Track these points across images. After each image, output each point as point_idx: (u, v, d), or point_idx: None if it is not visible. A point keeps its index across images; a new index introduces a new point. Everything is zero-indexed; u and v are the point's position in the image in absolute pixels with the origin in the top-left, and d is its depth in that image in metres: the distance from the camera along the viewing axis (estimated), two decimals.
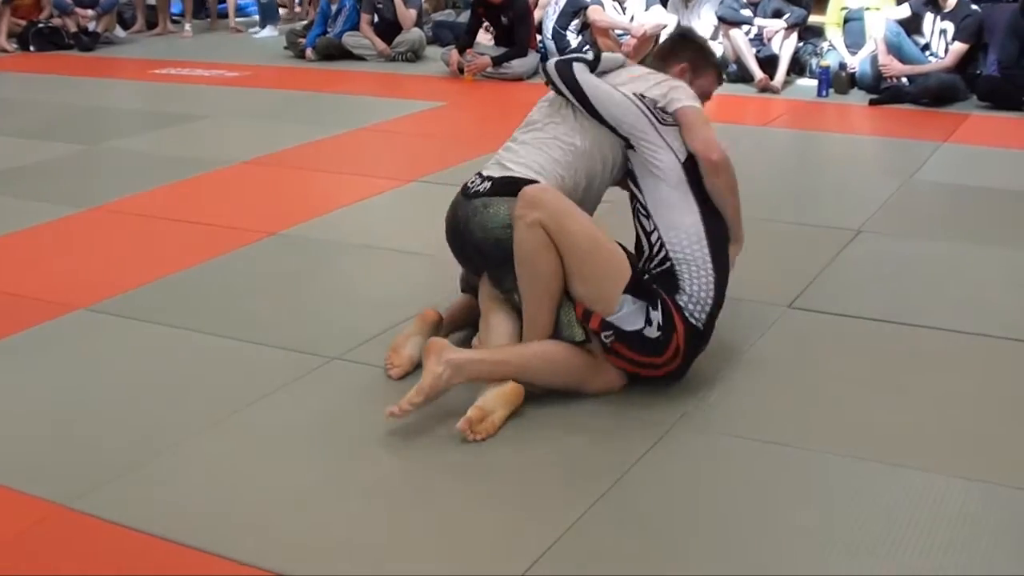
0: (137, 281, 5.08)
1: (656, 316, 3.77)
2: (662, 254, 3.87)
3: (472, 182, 4.18)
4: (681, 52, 4.39)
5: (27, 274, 5.32)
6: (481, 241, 4.01)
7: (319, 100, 9.96)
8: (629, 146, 4.06)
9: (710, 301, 3.86)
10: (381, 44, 11.87)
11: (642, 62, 4.51)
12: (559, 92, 4.20)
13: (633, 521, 3.20)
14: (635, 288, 3.79)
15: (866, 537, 3.11)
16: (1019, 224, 6.16)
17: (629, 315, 3.76)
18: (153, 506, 3.27)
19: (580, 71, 4.15)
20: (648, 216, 3.96)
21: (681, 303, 3.80)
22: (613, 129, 4.07)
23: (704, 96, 4.30)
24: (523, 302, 3.89)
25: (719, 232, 3.98)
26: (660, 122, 4.03)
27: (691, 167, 3.98)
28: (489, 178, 4.12)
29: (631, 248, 4.04)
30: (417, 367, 4.00)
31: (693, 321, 3.82)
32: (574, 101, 4.13)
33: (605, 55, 4.35)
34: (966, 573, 2.95)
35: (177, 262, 5.34)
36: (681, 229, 3.89)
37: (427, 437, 3.66)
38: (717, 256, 3.91)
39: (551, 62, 4.29)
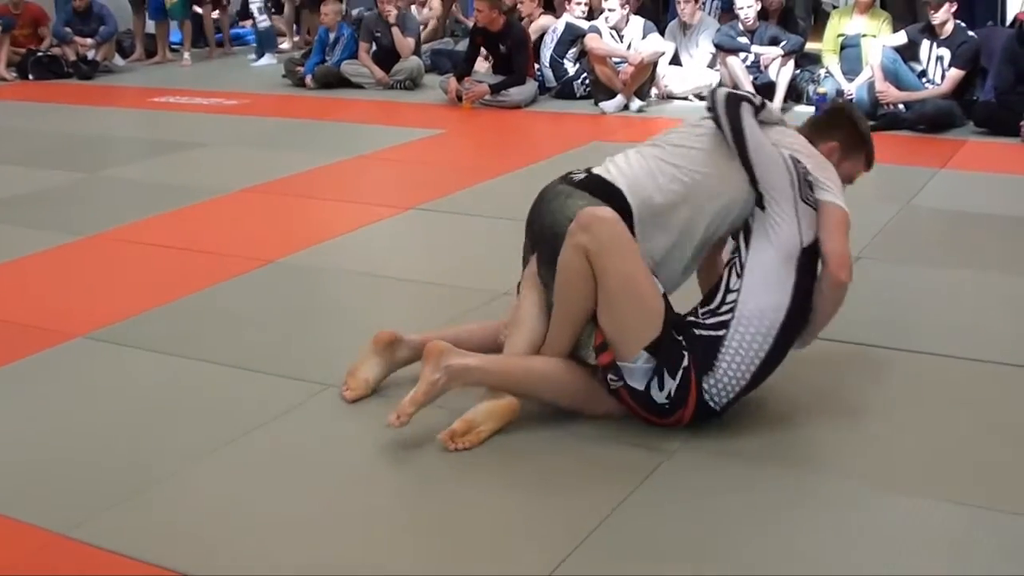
0: (135, 309, 5.08)
1: (670, 384, 3.69)
2: (726, 317, 3.72)
3: (576, 170, 4.14)
4: (835, 129, 4.21)
5: (25, 302, 5.32)
6: (548, 226, 3.95)
7: (317, 128, 9.98)
8: (759, 204, 3.83)
9: (739, 387, 3.74)
10: (379, 72, 11.90)
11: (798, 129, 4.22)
12: (717, 124, 3.98)
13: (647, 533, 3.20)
14: (658, 347, 3.67)
15: (863, 562, 3.11)
16: (1018, 250, 6.16)
17: (639, 371, 3.69)
18: (151, 534, 3.26)
19: (746, 112, 3.94)
20: (740, 276, 3.76)
21: (705, 385, 3.71)
22: (754, 181, 3.85)
23: (847, 180, 4.14)
24: (552, 311, 3.86)
25: (794, 328, 3.81)
26: (802, 199, 3.82)
27: (809, 255, 3.80)
28: (588, 171, 4.08)
29: (703, 291, 4.00)
30: (373, 391, 4.10)
31: (711, 404, 3.74)
32: (729, 139, 3.92)
33: (769, 106, 4.17)
34: None
35: (175, 290, 5.34)
36: (763, 306, 3.72)
37: (424, 460, 3.66)
38: (776, 349, 3.76)
39: (720, 92, 4.06)
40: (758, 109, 4.02)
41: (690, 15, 11.08)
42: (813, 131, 4.20)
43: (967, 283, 5.46)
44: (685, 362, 3.69)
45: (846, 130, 4.20)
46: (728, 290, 3.77)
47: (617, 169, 4.01)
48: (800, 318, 3.81)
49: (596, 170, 4.06)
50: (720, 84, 10.53)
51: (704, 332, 3.73)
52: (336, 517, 3.36)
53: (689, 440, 3.79)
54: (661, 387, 3.69)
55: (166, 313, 5.07)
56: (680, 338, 3.71)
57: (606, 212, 3.73)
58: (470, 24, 12.80)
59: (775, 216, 3.79)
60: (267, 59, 14.35)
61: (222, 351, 4.62)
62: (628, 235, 3.73)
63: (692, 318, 3.80)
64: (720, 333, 3.71)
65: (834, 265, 3.78)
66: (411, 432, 3.77)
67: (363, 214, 6.70)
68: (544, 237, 3.97)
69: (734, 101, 3.97)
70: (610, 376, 3.74)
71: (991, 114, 9.52)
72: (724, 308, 3.74)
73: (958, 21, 9.76)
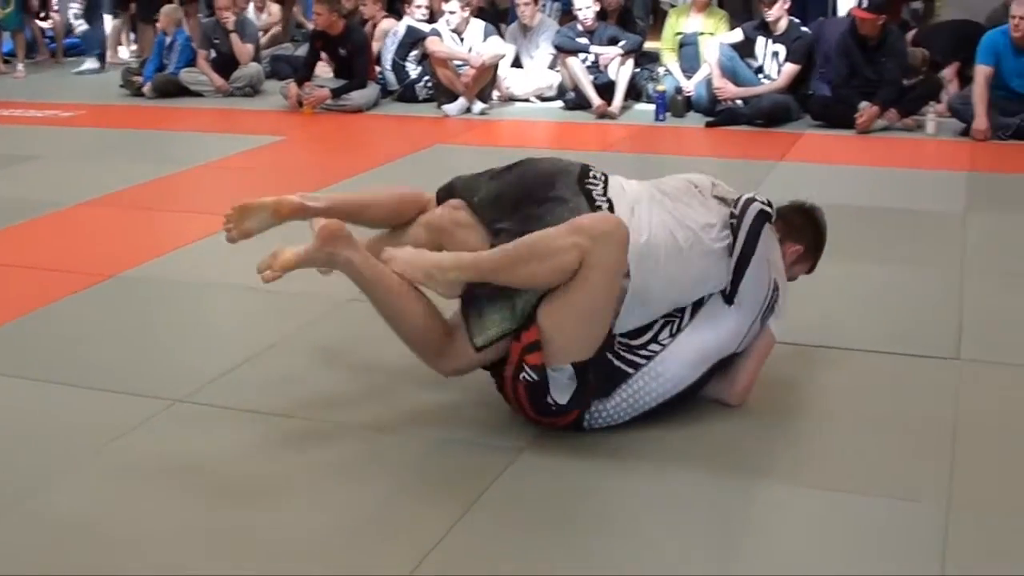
0: None
1: (568, 395, 3.71)
2: (642, 362, 3.78)
3: (596, 179, 4.01)
4: (805, 235, 4.26)
5: None
6: (537, 216, 3.81)
7: (157, 138, 9.82)
8: (726, 297, 3.88)
9: (615, 422, 3.80)
10: (219, 80, 11.73)
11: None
12: (734, 233, 3.90)
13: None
14: (585, 367, 3.68)
15: (709, 557, 3.16)
16: (858, 238, 6.30)
17: (560, 383, 3.69)
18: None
19: (766, 235, 3.92)
20: (672, 336, 3.81)
21: (593, 408, 3.77)
22: (735, 284, 3.86)
23: (790, 279, 4.19)
24: (501, 257, 3.67)
25: (675, 404, 3.85)
26: (761, 319, 3.93)
27: (729, 360, 3.94)
28: (608, 201, 3.92)
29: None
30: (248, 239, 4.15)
31: (584, 422, 3.79)
32: (736, 254, 3.86)
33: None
34: None
35: (13, 309, 5.20)
36: (673, 374, 3.79)
37: (276, 470, 3.63)
38: (656, 410, 3.82)
39: (752, 209, 3.93)
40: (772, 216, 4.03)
41: (530, 17, 11.13)
42: (786, 230, 4.16)
43: (812, 273, 5.56)
44: (586, 391, 3.72)
45: (812, 239, 4.29)
46: (656, 340, 3.81)
47: (638, 222, 3.83)
48: (681, 401, 3.86)
49: (616, 204, 3.90)
50: (564, 92, 10.63)
51: (616, 362, 3.77)
52: (190, 531, 3.30)
53: (537, 438, 3.81)
54: (555, 393, 3.71)
55: (3, 334, 4.93)
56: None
57: (617, 223, 3.63)
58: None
59: (731, 317, 3.87)
60: (89, 63, 14.05)
61: (64, 370, 4.51)
62: (624, 265, 3.66)
63: (612, 342, 3.79)
64: (630, 371, 3.78)
65: (739, 388, 4.00)
66: (262, 444, 3.78)
67: (206, 224, 6.58)
68: (531, 196, 3.92)
69: (759, 222, 3.91)
70: (527, 374, 3.70)
71: (826, 107, 9.76)
72: (644, 353, 3.80)
73: (792, 17, 9.97)
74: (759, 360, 3.99)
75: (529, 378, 3.70)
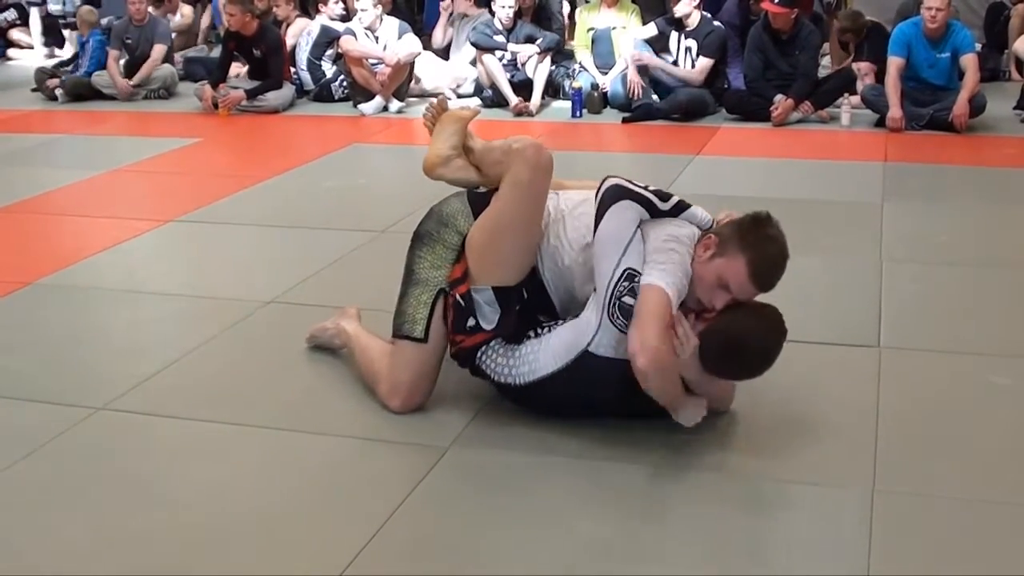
0: None
1: (488, 319, 3.82)
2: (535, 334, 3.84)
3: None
4: (726, 227, 3.74)
5: None
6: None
7: (69, 143, 9.69)
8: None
9: (499, 372, 3.83)
10: (122, 82, 11.44)
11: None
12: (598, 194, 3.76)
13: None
14: (506, 293, 3.79)
15: (632, 553, 3.17)
16: None
17: (483, 308, 3.81)
18: None
19: (621, 209, 3.66)
20: (553, 327, 3.83)
21: (496, 344, 3.84)
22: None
23: (720, 284, 3.61)
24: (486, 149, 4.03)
25: (556, 381, 3.74)
26: (609, 317, 3.60)
27: (591, 358, 3.68)
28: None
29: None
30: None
31: (477, 360, 3.87)
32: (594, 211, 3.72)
33: (696, 213, 3.81)
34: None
35: None
36: (544, 358, 3.74)
37: (199, 476, 3.60)
38: (538, 385, 3.78)
39: (609, 184, 3.76)
40: (671, 210, 3.74)
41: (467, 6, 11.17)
42: (720, 234, 3.71)
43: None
44: (509, 320, 3.82)
45: (736, 228, 3.69)
46: (543, 325, 3.85)
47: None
48: (544, 386, 3.77)
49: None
50: (481, 89, 10.62)
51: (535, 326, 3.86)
52: (115, 541, 3.26)
53: (462, 437, 3.83)
54: (480, 316, 3.83)
55: None
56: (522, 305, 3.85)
57: (539, 157, 3.83)
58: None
59: (589, 307, 3.71)
60: None
61: None
62: (537, 187, 3.81)
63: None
64: (532, 335, 3.83)
65: (631, 348, 3.48)
66: (185, 450, 3.78)
67: (121, 229, 6.52)
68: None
69: (612, 196, 3.69)
70: (456, 300, 3.86)
71: (742, 101, 9.83)
72: (541, 330, 3.84)
73: (704, 12, 10.03)
74: (646, 315, 3.49)
75: (459, 303, 3.85)
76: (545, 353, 3.75)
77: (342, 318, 4.46)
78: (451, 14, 11.63)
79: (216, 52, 12.10)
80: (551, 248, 3.84)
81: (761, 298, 3.70)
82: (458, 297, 3.85)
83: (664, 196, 3.75)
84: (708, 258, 3.62)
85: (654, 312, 3.49)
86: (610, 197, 3.68)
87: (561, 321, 3.83)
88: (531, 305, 3.87)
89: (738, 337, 3.58)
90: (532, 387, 3.77)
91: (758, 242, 3.62)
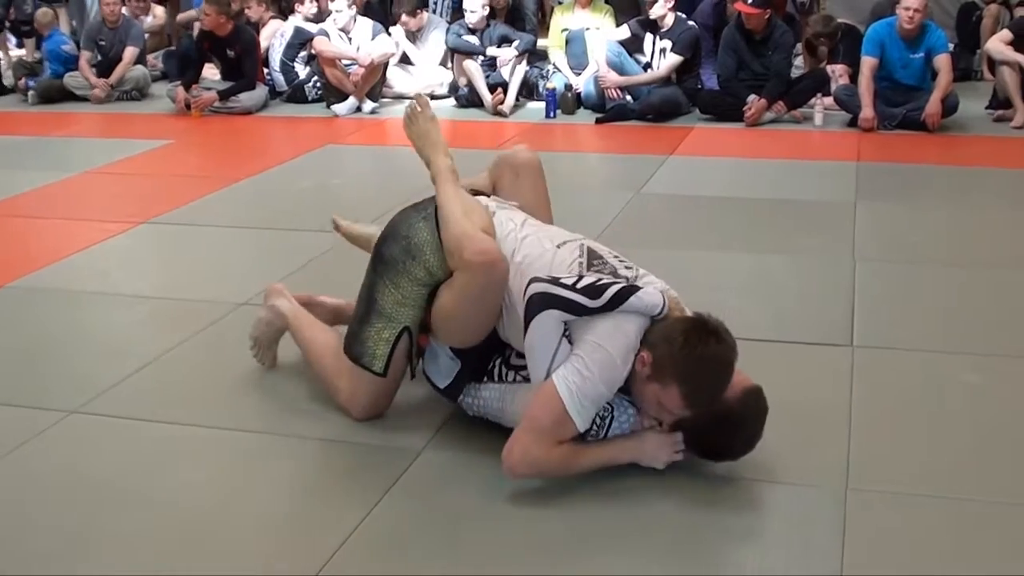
0: None
1: (450, 375, 3.82)
2: (504, 378, 3.78)
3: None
4: (661, 341, 3.39)
5: None
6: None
7: (42, 145, 9.62)
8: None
9: (488, 413, 3.80)
10: (98, 82, 11.42)
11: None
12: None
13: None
14: (462, 356, 3.80)
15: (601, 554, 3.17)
16: (743, 228, 6.40)
17: (444, 358, 3.82)
18: None
19: (545, 319, 3.41)
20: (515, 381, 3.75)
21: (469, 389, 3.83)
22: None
23: (660, 406, 3.41)
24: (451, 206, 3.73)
25: None
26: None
27: None
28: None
29: None
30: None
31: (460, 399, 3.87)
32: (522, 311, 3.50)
33: (640, 302, 3.44)
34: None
35: None
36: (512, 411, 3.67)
37: (171, 478, 3.59)
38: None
39: (536, 291, 3.47)
40: (586, 309, 3.40)
41: (417, 26, 11.11)
42: (662, 335, 3.43)
43: (701, 263, 5.63)
44: (464, 375, 3.83)
45: (666, 351, 3.35)
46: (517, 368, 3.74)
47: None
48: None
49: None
50: (456, 89, 10.62)
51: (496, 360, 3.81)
52: (89, 543, 3.25)
53: (436, 439, 3.84)
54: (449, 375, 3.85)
55: None
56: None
57: (495, 270, 3.59)
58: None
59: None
60: None
61: None
62: (487, 296, 3.63)
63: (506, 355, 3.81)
64: (495, 380, 3.79)
65: (505, 448, 3.42)
66: (159, 452, 3.78)
67: (94, 232, 6.49)
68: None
69: (535, 305, 3.45)
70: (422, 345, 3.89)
71: (715, 101, 9.86)
72: (507, 373, 3.78)
73: (678, 13, 10.04)
74: (526, 420, 3.41)
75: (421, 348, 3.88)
76: (508, 407, 3.69)
77: (272, 298, 4.35)
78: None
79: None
80: (511, 305, 3.64)
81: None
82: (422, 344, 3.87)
83: (596, 292, 3.40)
84: (645, 378, 3.39)
85: (534, 416, 3.40)
86: (534, 305, 3.44)
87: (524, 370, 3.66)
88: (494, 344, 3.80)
89: (720, 424, 3.42)
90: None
91: (693, 370, 3.32)
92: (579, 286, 3.41)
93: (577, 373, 3.33)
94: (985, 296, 5.22)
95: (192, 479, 3.62)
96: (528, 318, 3.45)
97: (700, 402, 3.36)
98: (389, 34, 10.94)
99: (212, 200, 7.26)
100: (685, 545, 3.21)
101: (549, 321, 3.42)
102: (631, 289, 3.42)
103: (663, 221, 6.66)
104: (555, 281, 3.46)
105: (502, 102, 10.22)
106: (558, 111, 10.16)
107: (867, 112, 9.14)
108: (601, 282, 3.43)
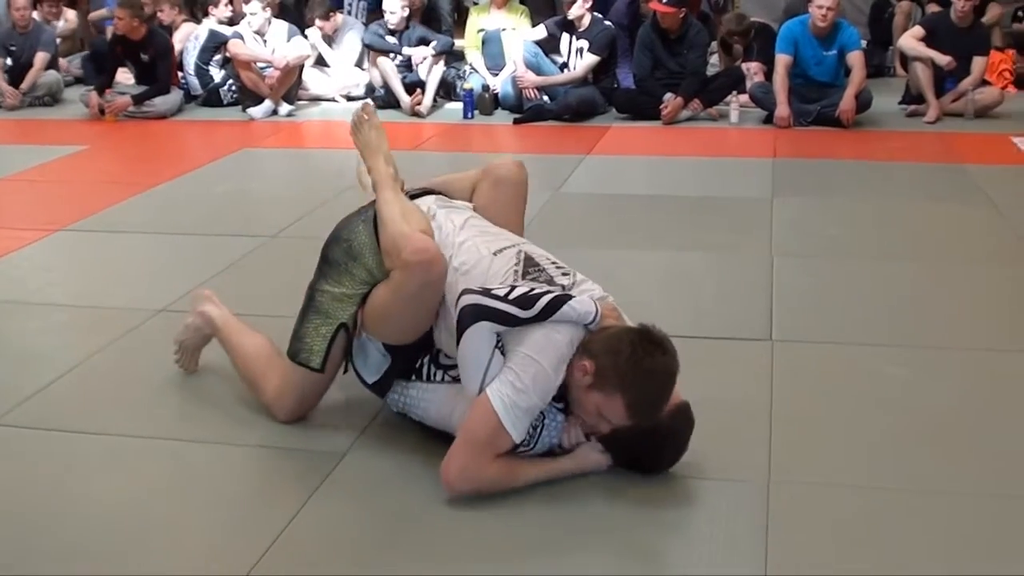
0: None
1: (380, 371, 3.80)
2: (427, 377, 3.77)
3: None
4: (602, 351, 3.36)
5: None
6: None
7: None
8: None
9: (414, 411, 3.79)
10: (9, 90, 11.17)
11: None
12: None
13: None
14: (392, 352, 3.77)
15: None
16: (662, 226, 6.44)
17: (375, 354, 3.79)
18: None
19: (478, 331, 3.39)
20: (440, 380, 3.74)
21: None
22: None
23: (600, 416, 3.39)
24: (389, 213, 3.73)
25: None
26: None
27: None
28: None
29: None
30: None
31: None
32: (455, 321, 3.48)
33: (572, 311, 3.40)
34: None
35: None
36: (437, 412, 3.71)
37: (100, 491, 3.55)
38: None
39: (468, 303, 3.44)
40: (518, 320, 3.38)
41: (331, 29, 11.07)
42: (602, 343, 3.41)
43: (620, 261, 5.65)
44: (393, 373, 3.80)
45: (610, 360, 3.33)
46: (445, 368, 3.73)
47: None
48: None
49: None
50: (373, 90, 10.59)
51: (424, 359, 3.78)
52: (14, 557, 3.19)
53: (358, 441, 3.83)
54: (377, 371, 3.82)
55: None
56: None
57: (431, 270, 3.58)
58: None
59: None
60: None
61: None
62: (423, 296, 3.62)
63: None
64: (419, 379, 3.77)
65: (443, 463, 3.42)
66: (79, 464, 3.74)
67: (7, 240, 6.39)
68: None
69: (467, 317, 3.42)
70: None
71: (631, 100, 9.93)
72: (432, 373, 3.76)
73: (595, 13, 10.08)
74: (461, 435, 3.43)
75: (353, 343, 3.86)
76: (434, 408, 3.70)
77: (200, 304, 4.32)
78: None
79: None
80: (446, 308, 3.65)
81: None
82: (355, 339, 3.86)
83: (529, 303, 3.38)
84: (586, 387, 3.37)
85: (469, 430, 3.40)
86: (466, 318, 3.42)
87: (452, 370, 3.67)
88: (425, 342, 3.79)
89: (651, 438, 3.44)
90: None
91: (637, 381, 3.30)
92: (511, 297, 3.40)
93: (510, 386, 3.32)
94: (903, 289, 5.30)
95: (110, 491, 3.57)
96: (460, 330, 3.44)
97: (643, 413, 3.34)
98: (305, 36, 10.88)
99: (128, 206, 7.18)
100: (607, 544, 3.21)
101: (482, 333, 3.40)
102: (563, 299, 3.41)
103: (581, 220, 6.68)
104: (487, 292, 3.44)
105: (420, 103, 10.22)
106: (476, 112, 10.17)
107: (782, 110, 9.24)
108: (534, 292, 3.42)
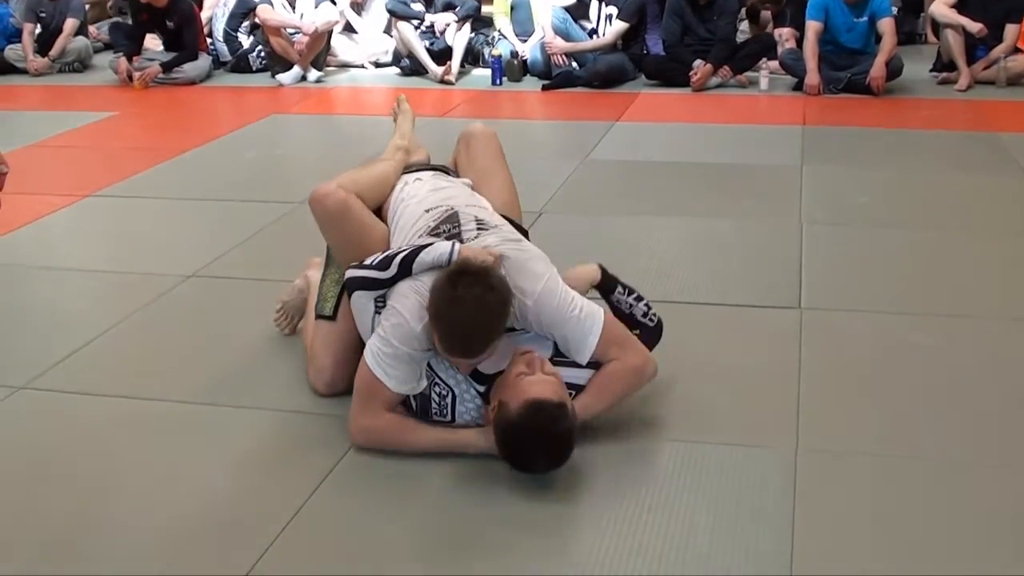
0: None
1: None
2: None
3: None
4: (434, 290, 3.38)
5: None
6: None
7: None
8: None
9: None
10: (33, 58, 11.24)
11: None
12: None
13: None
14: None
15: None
16: (690, 193, 6.41)
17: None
18: None
19: (355, 300, 3.61)
20: None
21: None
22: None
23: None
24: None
25: None
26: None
27: None
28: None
29: None
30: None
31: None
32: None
33: (428, 256, 3.50)
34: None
35: None
36: None
37: (108, 463, 3.57)
38: None
39: (347, 276, 3.65)
40: (379, 282, 3.53)
41: None
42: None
43: (647, 228, 5.66)
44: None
45: (433, 292, 3.37)
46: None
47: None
48: None
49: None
50: (399, 58, 10.57)
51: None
52: (31, 526, 3.22)
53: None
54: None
55: None
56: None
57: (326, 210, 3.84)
58: None
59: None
60: None
61: None
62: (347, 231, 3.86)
63: None
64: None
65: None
66: (107, 428, 3.76)
67: (38, 206, 6.42)
68: None
69: (349, 289, 3.64)
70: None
71: (661, 67, 9.88)
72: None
73: None
74: (354, 394, 3.57)
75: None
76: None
77: (308, 269, 4.41)
78: None
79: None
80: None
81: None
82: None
83: (386, 263, 3.51)
84: (427, 323, 3.41)
85: (355, 386, 3.56)
86: (348, 291, 3.68)
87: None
88: None
89: (504, 434, 3.33)
90: None
91: (443, 310, 3.33)
92: (374, 263, 3.57)
93: (377, 336, 3.49)
94: (931, 257, 5.27)
95: (138, 455, 3.59)
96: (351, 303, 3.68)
97: (455, 344, 3.35)
98: (333, 2, 10.87)
99: (157, 172, 7.21)
100: (636, 510, 3.21)
101: (359, 301, 3.63)
102: (416, 251, 3.52)
103: (610, 187, 6.67)
104: (359, 264, 3.64)
105: (449, 72, 10.19)
106: (504, 78, 10.15)
107: (812, 77, 9.19)
108: (391, 253, 3.57)
